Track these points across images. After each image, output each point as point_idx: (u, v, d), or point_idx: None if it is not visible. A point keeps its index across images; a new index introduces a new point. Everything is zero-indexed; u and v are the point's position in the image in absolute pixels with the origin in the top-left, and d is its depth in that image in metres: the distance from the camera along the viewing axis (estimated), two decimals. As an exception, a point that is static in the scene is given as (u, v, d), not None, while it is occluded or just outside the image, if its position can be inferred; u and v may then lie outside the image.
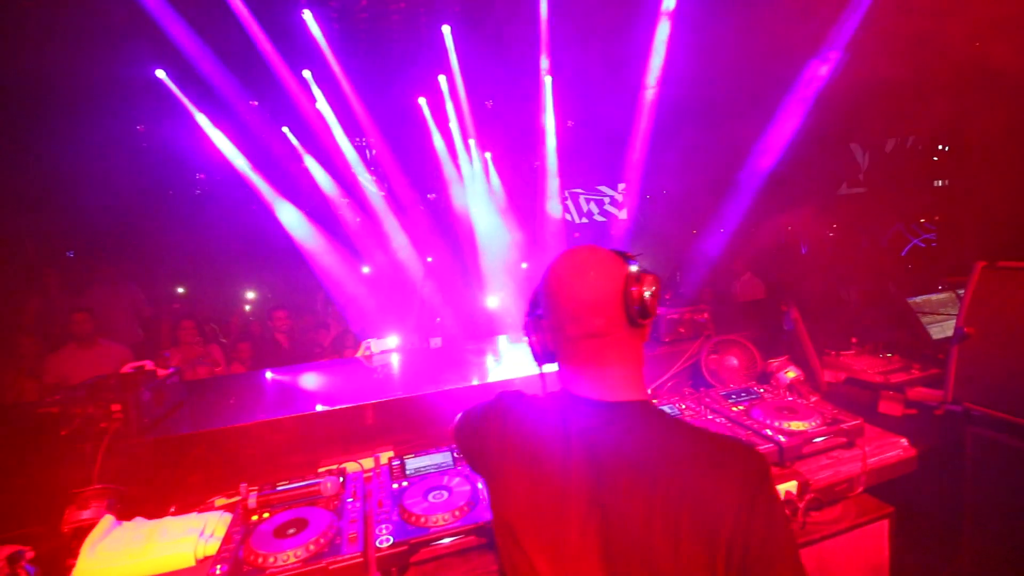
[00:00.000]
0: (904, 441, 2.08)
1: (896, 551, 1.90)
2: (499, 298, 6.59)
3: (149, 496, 1.97)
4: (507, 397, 1.13)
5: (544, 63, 6.77)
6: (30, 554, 1.58)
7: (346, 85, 6.90)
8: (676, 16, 5.89)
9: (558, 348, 1.02)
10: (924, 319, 2.77)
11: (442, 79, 7.33)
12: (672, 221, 7.74)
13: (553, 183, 7.34)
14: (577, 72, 6.73)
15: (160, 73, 6.14)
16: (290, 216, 7.22)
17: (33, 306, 5.46)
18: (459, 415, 1.29)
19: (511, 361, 3.04)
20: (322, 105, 6.94)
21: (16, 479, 1.99)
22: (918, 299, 2.86)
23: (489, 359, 3.20)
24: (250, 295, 8.65)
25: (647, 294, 0.94)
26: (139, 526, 1.76)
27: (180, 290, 7.99)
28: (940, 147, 8.27)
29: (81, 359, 4.29)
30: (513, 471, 0.99)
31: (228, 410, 2.60)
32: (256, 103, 6.82)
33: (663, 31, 6.02)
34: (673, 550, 0.80)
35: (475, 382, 2.67)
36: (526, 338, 1.12)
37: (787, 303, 2.66)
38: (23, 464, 2.02)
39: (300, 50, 6.48)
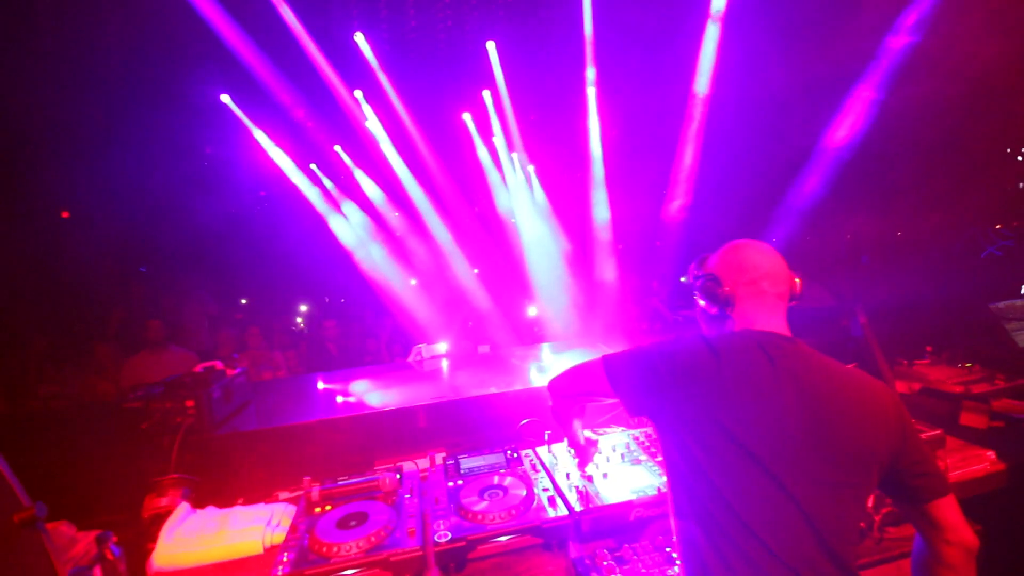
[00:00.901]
0: (991, 454, 1.92)
1: (983, 572, 1.74)
2: (544, 307, 6.60)
3: (219, 487, 2.08)
4: (691, 338, 1.30)
5: (590, 74, 6.79)
6: (115, 537, 1.69)
7: (396, 102, 7.16)
8: (726, 19, 5.79)
9: (745, 299, 1.32)
10: (1008, 326, 2.56)
11: (486, 94, 7.50)
12: (727, 223, 7.53)
13: (600, 193, 7.31)
14: (624, 82, 6.70)
15: (225, 98, 6.59)
16: (342, 228, 7.51)
17: (117, 315, 5.91)
18: (614, 359, 1.36)
19: (556, 367, 3.03)
20: (373, 123, 7.23)
21: (102, 470, 2.15)
22: (1000, 304, 2.65)
23: (535, 365, 3.21)
24: (303, 307, 9.02)
25: (798, 281, 1.36)
26: (211, 514, 1.85)
27: (243, 300, 8.44)
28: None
29: (154, 363, 4.59)
30: (736, 393, 1.16)
31: (292, 410, 2.72)
32: (311, 123, 7.18)
33: (712, 34, 5.94)
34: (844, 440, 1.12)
35: (518, 387, 2.67)
36: (693, 294, 1.42)
37: (855, 308, 2.53)
38: (108, 456, 2.17)
39: (353, 70, 6.80)
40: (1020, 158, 7.42)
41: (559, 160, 7.53)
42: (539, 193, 7.79)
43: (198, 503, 1.91)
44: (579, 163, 7.39)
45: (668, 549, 1.58)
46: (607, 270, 7.21)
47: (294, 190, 7.38)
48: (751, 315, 1.30)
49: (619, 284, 7.01)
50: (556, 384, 1.51)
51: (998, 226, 7.91)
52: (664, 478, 1.75)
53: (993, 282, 4.16)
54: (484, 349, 3.77)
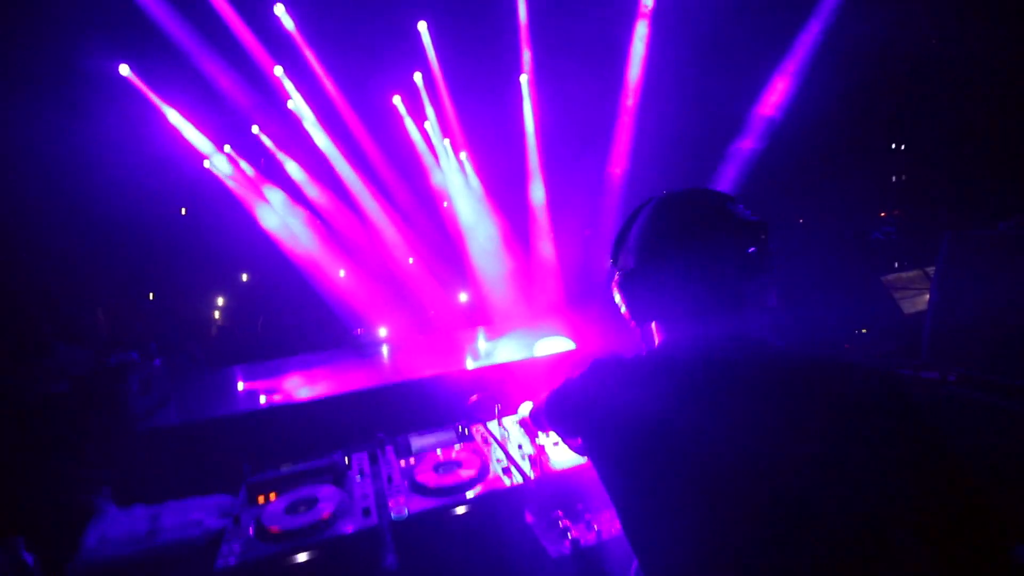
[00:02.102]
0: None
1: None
2: (484, 289, 6.63)
3: (145, 485, 1.92)
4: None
5: (525, 56, 6.83)
6: (26, 543, 1.53)
7: (325, 80, 6.80)
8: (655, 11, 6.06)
9: None
10: (896, 295, 2.92)
11: (418, 77, 7.32)
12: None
13: (536, 175, 7.41)
14: (559, 66, 6.78)
15: (124, 69, 5.92)
16: (265, 213, 7.06)
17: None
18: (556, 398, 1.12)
19: (499, 350, 3.07)
20: (297, 102, 6.82)
21: (9, 474, 1.91)
22: (890, 276, 3.01)
23: (477, 344, 3.23)
24: (220, 299, 8.42)
25: None
26: (139, 513, 1.71)
27: (150, 295, 7.71)
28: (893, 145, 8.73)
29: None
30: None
31: (219, 401, 2.56)
32: (229, 101, 6.64)
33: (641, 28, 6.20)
34: None
35: (466, 367, 2.69)
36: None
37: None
38: (20, 459, 1.94)
39: (273, 45, 6.36)
40: (901, 149, 8.41)
41: (494, 144, 7.51)
42: (473, 178, 7.74)
43: (123, 503, 1.75)
44: (515, 147, 7.43)
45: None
46: (545, 249, 7.33)
47: (207, 174, 6.83)
48: None
49: (559, 264, 7.16)
50: (532, 419, 1.50)
51: (882, 214, 8.94)
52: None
53: (880, 261, 4.71)
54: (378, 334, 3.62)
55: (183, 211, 7.63)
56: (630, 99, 6.67)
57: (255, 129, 7.14)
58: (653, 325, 1.01)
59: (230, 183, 7.00)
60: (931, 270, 3.04)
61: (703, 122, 6.51)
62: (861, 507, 0.70)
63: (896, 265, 3.96)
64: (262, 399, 2.61)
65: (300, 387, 2.74)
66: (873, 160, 8.87)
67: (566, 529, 1.55)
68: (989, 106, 6.21)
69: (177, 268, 7.31)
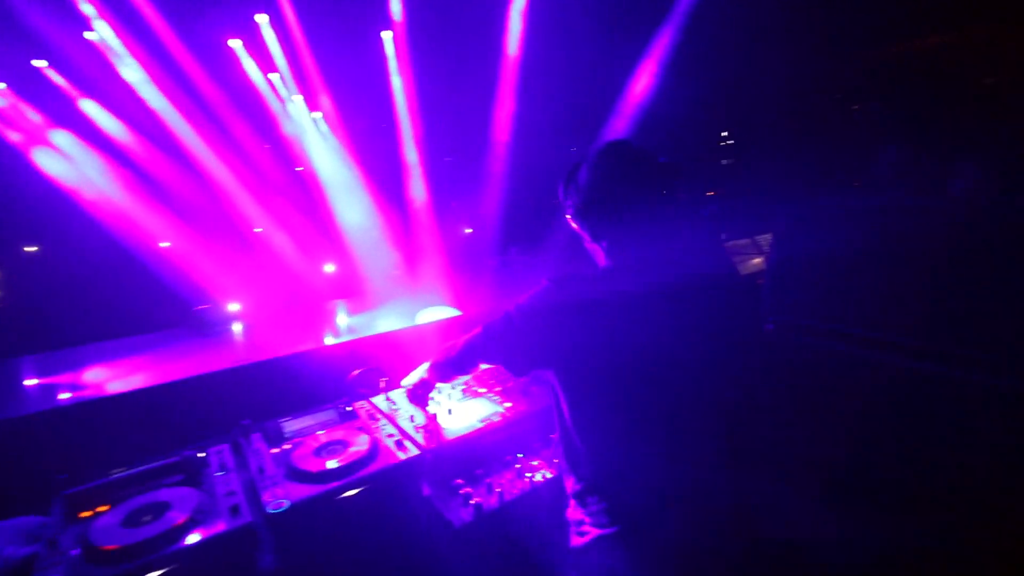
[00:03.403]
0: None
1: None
2: (355, 260, 6.17)
3: None
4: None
5: (394, 7, 6.33)
6: None
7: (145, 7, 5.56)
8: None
9: None
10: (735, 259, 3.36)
11: (262, 19, 6.37)
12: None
13: (409, 143, 7.01)
14: (431, 24, 6.42)
15: None
16: (54, 164, 5.61)
17: None
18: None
19: (377, 321, 2.89)
20: (104, 32, 5.49)
21: None
22: (728, 243, 3.45)
23: (349, 320, 3.00)
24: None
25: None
26: None
27: None
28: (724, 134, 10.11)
29: None
30: None
31: (12, 400, 2.01)
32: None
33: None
34: None
35: (330, 342, 2.47)
36: None
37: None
38: None
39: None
40: (725, 142, 9.76)
41: (358, 101, 6.92)
42: (330, 139, 7.07)
43: None
44: (380, 108, 6.93)
45: (517, 466, 1.66)
46: (422, 216, 7.04)
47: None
48: None
49: (438, 232, 6.93)
50: (440, 368, 1.52)
51: (710, 192, 10.28)
52: (506, 405, 1.83)
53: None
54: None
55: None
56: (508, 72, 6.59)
57: (41, 63, 5.63)
58: (604, 244, 1.27)
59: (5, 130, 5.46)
60: (760, 238, 3.56)
61: (579, 101, 6.74)
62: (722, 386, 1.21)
63: (724, 236, 4.61)
64: (64, 395, 2.12)
65: (128, 375, 2.28)
66: (710, 147, 10.15)
67: (467, 496, 1.50)
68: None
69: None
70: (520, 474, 1.63)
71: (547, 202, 9.00)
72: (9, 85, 5.50)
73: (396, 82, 6.85)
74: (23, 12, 5.03)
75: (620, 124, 6.63)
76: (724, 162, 9.78)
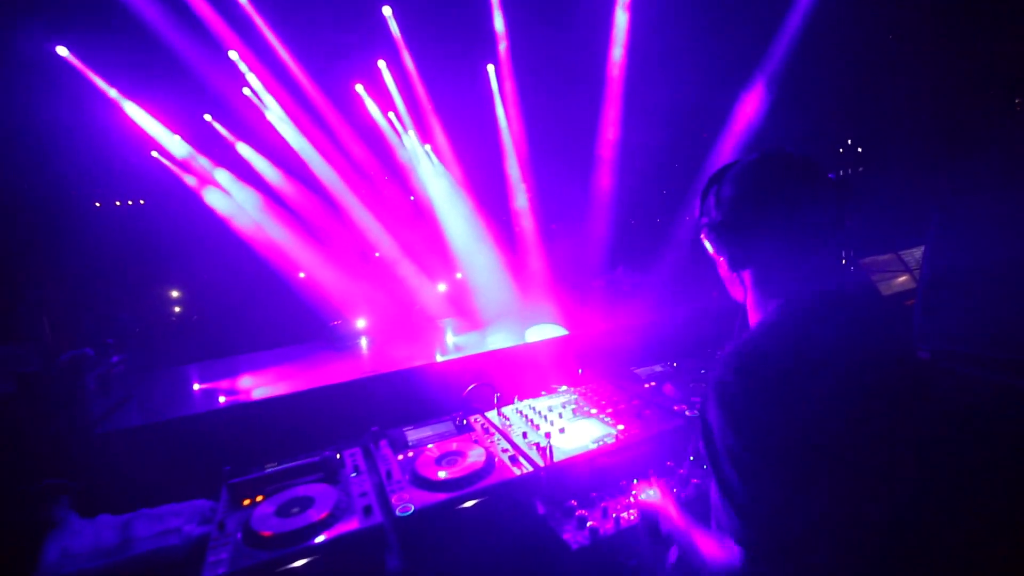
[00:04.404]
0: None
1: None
2: (469, 281, 6.49)
3: (110, 492, 1.73)
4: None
5: (501, 47, 6.71)
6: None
7: (290, 64, 6.46)
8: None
9: None
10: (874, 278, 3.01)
11: (382, 64, 7.06)
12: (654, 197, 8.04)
13: (514, 172, 7.31)
14: (534, 57, 6.70)
15: (62, 50, 5.42)
16: (219, 201, 6.63)
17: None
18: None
19: (489, 338, 2.98)
20: (256, 87, 6.45)
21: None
22: (866, 260, 3.10)
23: (464, 336, 3.13)
24: (174, 292, 7.92)
25: None
26: (107, 523, 1.53)
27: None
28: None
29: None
30: None
31: (184, 401, 2.36)
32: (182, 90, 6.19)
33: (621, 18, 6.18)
34: None
35: (440, 358, 2.58)
36: None
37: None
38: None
39: (229, 26, 5.98)
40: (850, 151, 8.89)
41: (468, 133, 7.35)
42: (439, 166, 7.56)
43: (87, 513, 1.57)
44: (490, 142, 7.30)
45: (634, 492, 1.61)
46: (529, 239, 7.24)
47: (155, 163, 6.38)
48: None
49: (544, 251, 7.09)
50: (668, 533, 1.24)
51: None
52: (619, 427, 1.79)
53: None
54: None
55: (141, 202, 7.13)
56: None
57: (207, 117, 6.72)
58: (748, 273, 1.07)
59: (180, 172, 6.56)
60: (904, 253, 3.15)
61: (683, 120, 6.59)
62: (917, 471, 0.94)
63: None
64: (222, 399, 2.42)
65: (276, 382, 2.57)
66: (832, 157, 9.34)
67: (583, 519, 1.48)
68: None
69: (126, 261, 6.82)
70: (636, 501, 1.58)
71: (654, 221, 8.78)
72: (183, 137, 6.62)
73: (500, 111, 7.18)
74: (196, 72, 6.05)
75: (729, 143, 6.34)
76: (850, 172, 8.88)
